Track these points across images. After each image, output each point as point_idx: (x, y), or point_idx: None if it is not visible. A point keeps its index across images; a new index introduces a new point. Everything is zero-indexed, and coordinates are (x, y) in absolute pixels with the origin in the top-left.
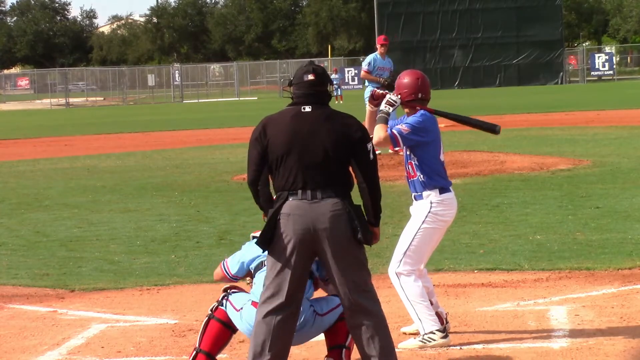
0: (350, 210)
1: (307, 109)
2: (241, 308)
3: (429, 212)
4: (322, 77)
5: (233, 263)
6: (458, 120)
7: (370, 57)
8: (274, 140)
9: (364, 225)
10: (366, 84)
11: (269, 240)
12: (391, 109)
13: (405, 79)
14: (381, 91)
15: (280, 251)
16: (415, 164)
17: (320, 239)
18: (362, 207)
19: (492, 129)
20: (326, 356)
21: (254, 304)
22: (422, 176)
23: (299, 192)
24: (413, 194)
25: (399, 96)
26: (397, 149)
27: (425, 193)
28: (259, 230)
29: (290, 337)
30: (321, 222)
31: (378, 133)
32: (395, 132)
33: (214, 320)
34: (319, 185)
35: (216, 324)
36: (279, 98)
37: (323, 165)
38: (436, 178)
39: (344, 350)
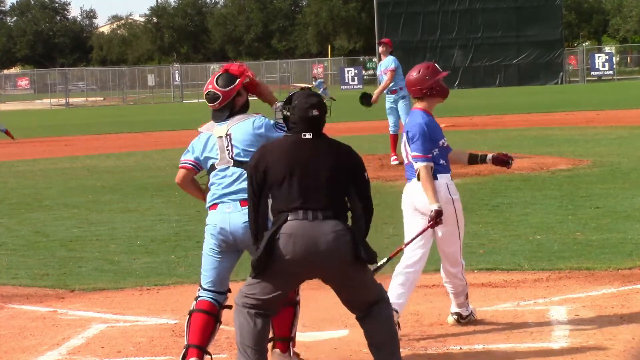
0: (351, 230)
1: (308, 136)
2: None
3: (454, 208)
4: (324, 111)
5: (184, 156)
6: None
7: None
8: (273, 165)
9: (366, 245)
10: (385, 91)
11: (265, 262)
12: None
13: (414, 73)
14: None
15: (276, 272)
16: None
17: (320, 262)
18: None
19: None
20: (273, 347)
21: (212, 206)
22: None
23: (300, 212)
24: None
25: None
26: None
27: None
28: (204, 123)
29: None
30: (322, 243)
31: (426, 186)
32: (423, 164)
33: (196, 312)
34: (319, 207)
35: (198, 315)
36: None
37: (323, 188)
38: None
39: (290, 343)
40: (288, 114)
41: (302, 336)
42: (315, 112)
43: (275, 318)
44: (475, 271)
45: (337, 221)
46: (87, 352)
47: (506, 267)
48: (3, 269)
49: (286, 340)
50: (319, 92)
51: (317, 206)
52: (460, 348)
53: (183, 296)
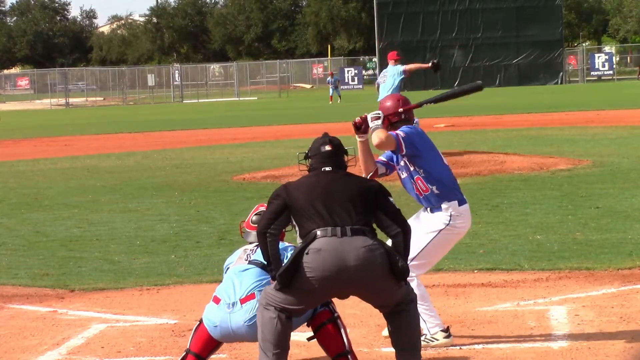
0: (384, 244)
1: (327, 169)
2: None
3: (448, 224)
4: (339, 148)
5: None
6: (443, 99)
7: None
8: (296, 193)
9: (401, 260)
10: (379, 91)
11: (290, 277)
12: (379, 121)
13: (387, 103)
14: (358, 119)
15: (301, 287)
16: (423, 176)
17: (351, 277)
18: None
19: (476, 87)
20: None
21: (215, 299)
22: (435, 188)
23: (329, 229)
24: (429, 208)
25: (380, 112)
26: (382, 173)
27: (444, 205)
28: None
29: (289, 334)
30: (353, 259)
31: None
32: (398, 132)
33: (204, 324)
34: (347, 223)
35: (205, 327)
36: (278, 98)
37: (347, 206)
38: (448, 184)
39: (349, 356)
40: (309, 162)
41: (302, 336)
42: (327, 148)
43: (323, 341)
44: (475, 271)
45: (366, 237)
46: (87, 352)
47: (506, 267)
48: (3, 269)
49: (344, 356)
50: (330, 89)
51: (344, 222)
52: (460, 348)
53: (183, 296)
